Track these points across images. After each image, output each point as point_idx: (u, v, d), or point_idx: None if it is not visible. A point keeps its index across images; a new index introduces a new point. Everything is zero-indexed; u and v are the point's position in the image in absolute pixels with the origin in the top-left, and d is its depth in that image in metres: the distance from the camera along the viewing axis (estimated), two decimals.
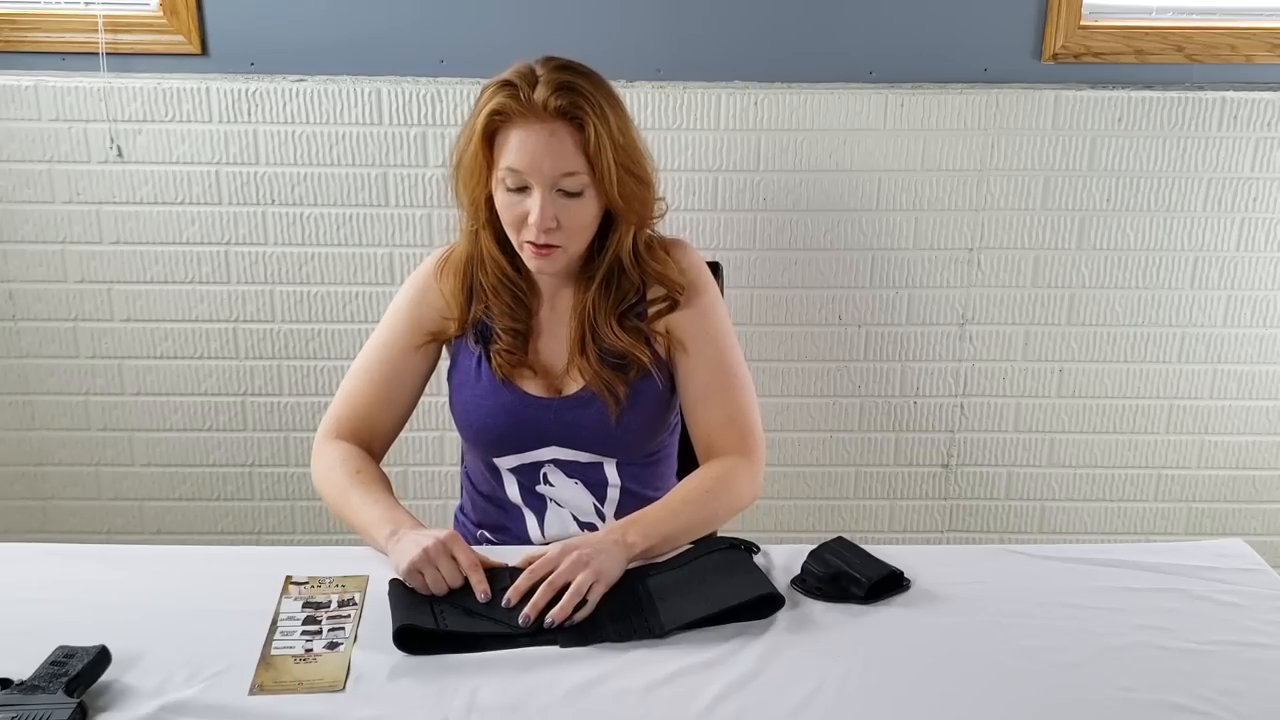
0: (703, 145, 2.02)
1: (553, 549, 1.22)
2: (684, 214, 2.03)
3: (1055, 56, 2.01)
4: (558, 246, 1.32)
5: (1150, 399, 2.19)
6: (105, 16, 1.94)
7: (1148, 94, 2.02)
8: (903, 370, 2.17)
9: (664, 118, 2.00)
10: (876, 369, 2.17)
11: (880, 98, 2.01)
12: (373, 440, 1.44)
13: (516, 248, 1.36)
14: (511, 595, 1.17)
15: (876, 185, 2.06)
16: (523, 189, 1.30)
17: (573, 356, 1.41)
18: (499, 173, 1.31)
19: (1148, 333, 2.15)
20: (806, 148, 2.03)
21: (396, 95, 1.99)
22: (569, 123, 1.28)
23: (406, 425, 1.49)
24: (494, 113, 1.29)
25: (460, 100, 1.99)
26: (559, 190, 1.30)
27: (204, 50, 1.98)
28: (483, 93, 1.32)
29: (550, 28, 1.97)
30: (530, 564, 1.21)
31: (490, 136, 1.31)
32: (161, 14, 1.96)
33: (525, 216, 1.30)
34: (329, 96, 1.98)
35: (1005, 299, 2.13)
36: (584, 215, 1.33)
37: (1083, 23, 2.00)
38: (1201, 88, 2.03)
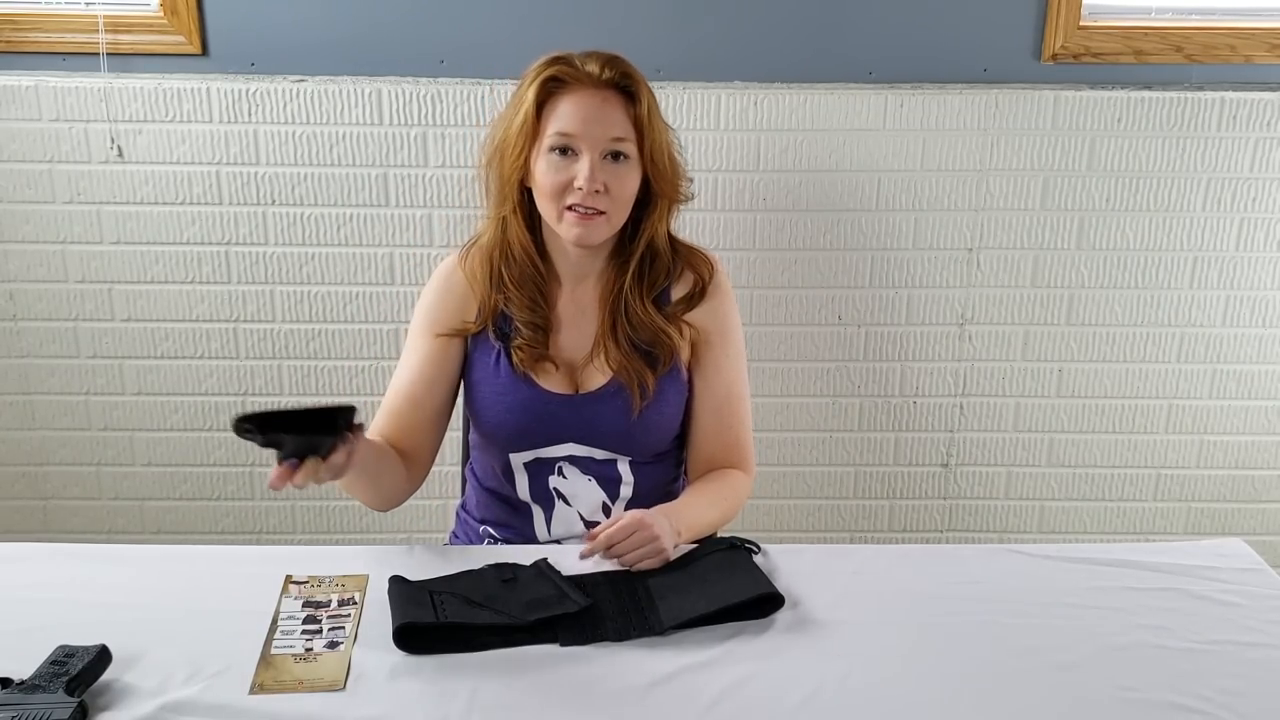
0: (702, 145, 2.02)
1: (627, 518, 1.29)
2: (684, 214, 2.01)
3: (1055, 57, 2.01)
4: (602, 213, 1.36)
5: (1149, 399, 2.19)
6: (105, 17, 1.94)
7: (1147, 94, 2.02)
8: (902, 370, 2.17)
9: (664, 118, 1.99)
10: (876, 369, 2.17)
11: (880, 98, 2.01)
12: (400, 438, 1.42)
13: (553, 219, 1.38)
14: (584, 552, 1.29)
15: (876, 185, 2.06)
16: (568, 154, 1.35)
17: (599, 345, 1.43)
18: (545, 140, 1.36)
19: (1147, 333, 2.15)
20: (806, 148, 2.03)
21: (396, 95, 1.99)
22: (620, 93, 1.37)
23: None
24: (550, 79, 1.36)
25: (460, 100, 1.99)
26: (607, 155, 1.35)
27: (204, 50, 1.98)
28: (526, 76, 1.38)
29: (550, 28, 1.97)
30: (601, 529, 1.30)
31: (539, 106, 1.36)
32: (162, 14, 1.96)
33: (570, 182, 1.34)
34: (329, 96, 1.98)
35: (1005, 299, 2.13)
36: (629, 184, 1.38)
37: (1082, 23, 2.00)
38: (1201, 88, 2.03)
